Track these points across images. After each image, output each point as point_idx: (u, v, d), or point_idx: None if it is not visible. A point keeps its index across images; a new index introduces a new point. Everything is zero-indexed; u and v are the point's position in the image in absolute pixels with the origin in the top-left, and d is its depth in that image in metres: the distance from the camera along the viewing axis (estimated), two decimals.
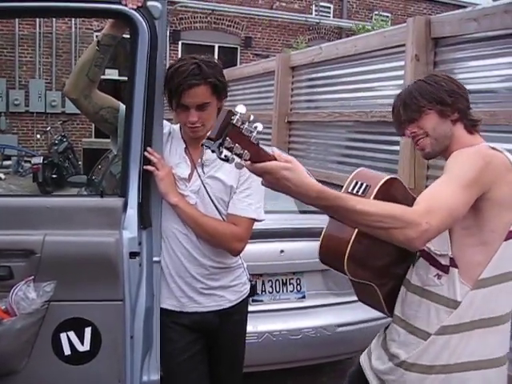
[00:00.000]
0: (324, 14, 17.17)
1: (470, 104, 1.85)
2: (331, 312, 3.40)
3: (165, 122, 2.24)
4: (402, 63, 4.58)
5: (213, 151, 1.37)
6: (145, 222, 2.11)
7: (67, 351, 2.00)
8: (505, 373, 1.79)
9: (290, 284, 3.38)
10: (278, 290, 3.36)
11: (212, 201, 2.18)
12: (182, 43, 15.76)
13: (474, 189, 1.63)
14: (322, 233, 1.88)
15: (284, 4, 16.63)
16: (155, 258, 2.16)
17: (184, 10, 15.51)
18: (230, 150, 1.35)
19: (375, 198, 1.74)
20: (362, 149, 5.52)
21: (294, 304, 3.38)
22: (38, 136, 13.43)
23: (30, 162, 11.90)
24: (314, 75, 6.41)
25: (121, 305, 2.01)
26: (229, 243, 2.18)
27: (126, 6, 2.01)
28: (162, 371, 2.20)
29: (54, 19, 13.60)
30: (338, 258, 1.80)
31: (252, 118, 1.41)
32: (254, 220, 2.22)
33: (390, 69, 4.96)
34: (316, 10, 17.09)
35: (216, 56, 15.98)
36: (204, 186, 2.17)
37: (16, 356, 1.96)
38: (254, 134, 1.37)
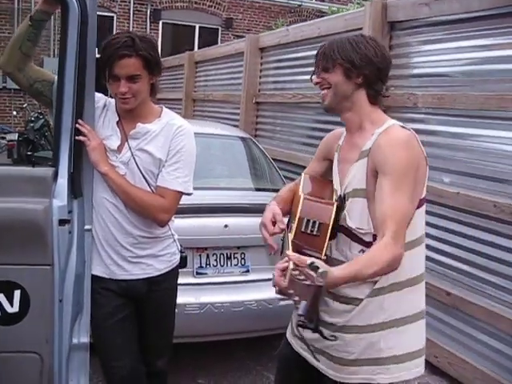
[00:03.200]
0: None
1: (383, 75, 1.93)
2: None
3: (100, 95, 2.32)
4: None
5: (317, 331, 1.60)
6: (76, 191, 2.20)
7: None
8: (424, 324, 1.97)
9: (234, 258, 3.50)
10: (222, 263, 3.47)
11: (141, 172, 2.27)
12: (163, 23, 15.72)
13: (413, 180, 1.80)
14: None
15: None
16: (86, 227, 2.26)
17: None
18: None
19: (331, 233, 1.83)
20: (326, 130, 5.55)
21: (238, 277, 3.50)
22: (15, 113, 13.38)
23: (5, 138, 11.87)
24: (281, 57, 6.49)
25: (49, 269, 2.10)
26: (155, 214, 2.28)
27: None
28: (91, 336, 2.31)
29: None
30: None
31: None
32: (181, 193, 2.32)
33: None
34: None
35: (197, 36, 15.98)
36: (133, 158, 2.27)
37: None
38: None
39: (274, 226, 1.96)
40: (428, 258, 3.91)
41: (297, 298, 1.52)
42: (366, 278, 1.78)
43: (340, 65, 1.87)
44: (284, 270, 1.59)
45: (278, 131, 6.53)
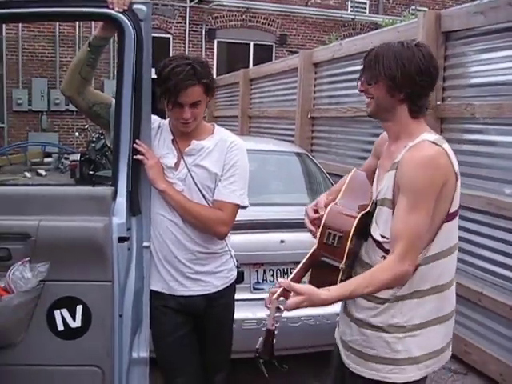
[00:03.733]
0: (360, 10, 17.14)
1: (428, 91, 1.92)
2: None
3: (155, 116, 2.39)
4: None
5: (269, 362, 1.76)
6: (134, 209, 2.27)
7: (60, 327, 2.18)
8: (448, 325, 2.00)
9: (290, 273, 3.46)
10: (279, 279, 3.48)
11: (198, 187, 2.33)
12: (218, 41, 16.01)
13: (432, 199, 1.81)
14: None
15: (319, 1, 16.68)
16: (145, 244, 2.33)
17: (219, 9, 15.76)
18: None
19: (350, 244, 1.89)
20: None
21: None
22: (77, 134, 13.88)
23: (68, 158, 12.33)
24: (335, 71, 6.49)
25: (110, 285, 2.18)
26: (214, 227, 2.33)
27: (112, 9, 2.17)
28: (153, 352, 2.38)
29: (93, 22, 14.04)
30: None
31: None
32: (238, 206, 2.36)
33: None
34: (352, 6, 17.07)
35: (251, 54, 16.17)
36: (190, 174, 2.32)
37: (14, 330, 2.15)
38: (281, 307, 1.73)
39: (316, 213, 2.10)
40: (489, 272, 3.87)
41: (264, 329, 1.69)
42: (365, 295, 1.85)
43: (382, 80, 1.87)
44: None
45: (334, 146, 6.52)
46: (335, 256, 1.88)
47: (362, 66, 1.95)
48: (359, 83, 1.97)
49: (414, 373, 1.93)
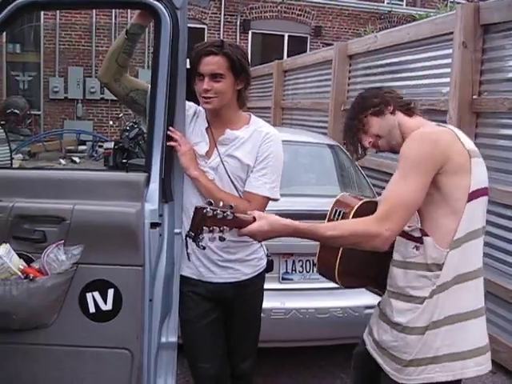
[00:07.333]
0: (396, 2, 16.91)
1: (398, 96, 2.07)
2: (361, 293, 3.45)
3: (191, 103, 2.41)
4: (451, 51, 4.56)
5: (195, 242, 1.78)
6: (167, 196, 2.30)
7: (92, 309, 2.22)
8: (484, 322, 1.97)
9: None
10: (308, 269, 3.48)
11: (229, 177, 2.33)
12: (252, 32, 16.00)
13: (426, 172, 1.83)
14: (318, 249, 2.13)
15: None
16: (176, 230, 2.36)
17: (255, 0, 15.72)
18: (212, 232, 1.74)
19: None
20: None
21: (324, 284, 3.42)
22: (111, 122, 14.07)
23: (102, 146, 12.51)
24: (369, 63, 6.43)
25: (141, 270, 2.21)
26: None
27: None
28: (180, 338, 2.41)
29: (129, 10, 14.15)
30: (330, 273, 2.10)
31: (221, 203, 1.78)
32: (268, 198, 2.35)
33: (441, 56, 4.94)
34: None
35: (286, 45, 16.13)
36: (222, 163, 2.33)
37: (46, 311, 2.19)
38: (228, 212, 1.75)
39: None
40: None
41: None
42: (325, 240, 1.89)
43: (366, 116, 2.02)
44: None
45: None
46: None
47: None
48: (358, 148, 2.11)
49: (462, 370, 1.90)
